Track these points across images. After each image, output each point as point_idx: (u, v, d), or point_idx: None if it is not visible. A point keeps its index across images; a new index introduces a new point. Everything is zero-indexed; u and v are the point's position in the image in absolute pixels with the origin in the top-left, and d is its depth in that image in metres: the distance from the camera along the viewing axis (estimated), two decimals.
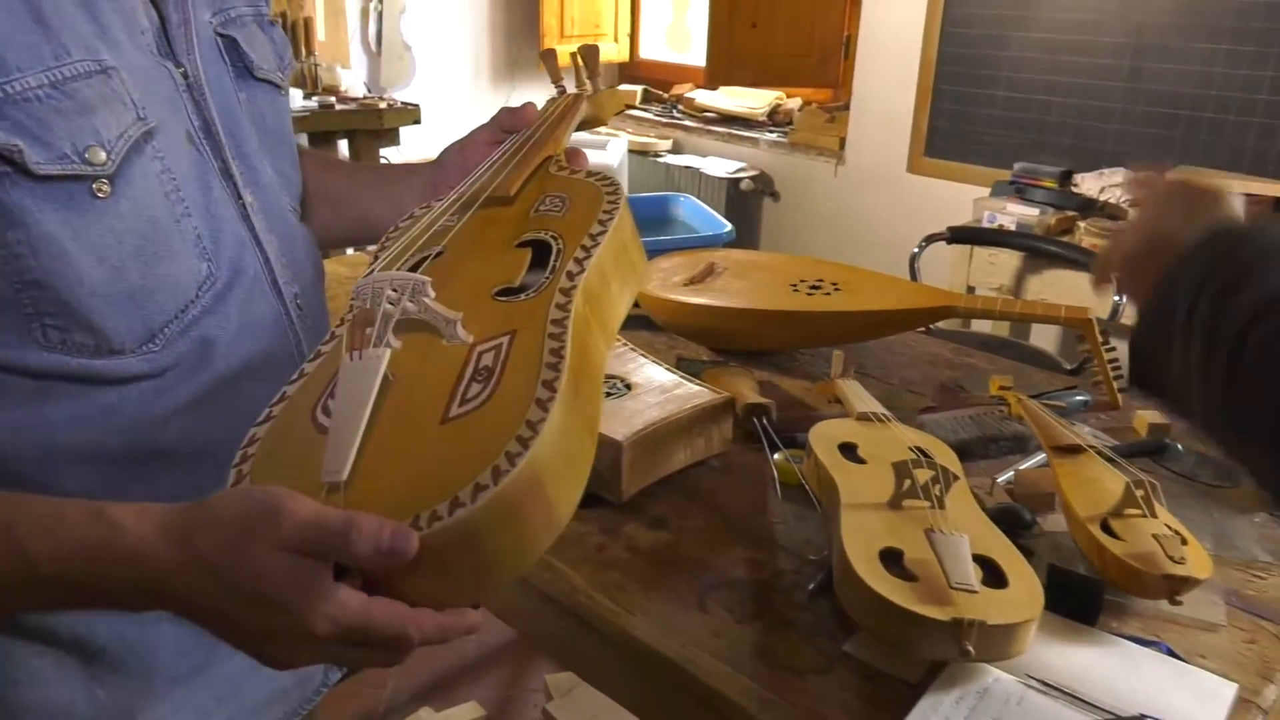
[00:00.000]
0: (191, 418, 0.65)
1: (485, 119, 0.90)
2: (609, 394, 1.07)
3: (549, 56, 0.99)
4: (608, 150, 3.30)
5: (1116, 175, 2.40)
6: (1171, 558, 0.82)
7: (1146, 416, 1.19)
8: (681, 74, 3.91)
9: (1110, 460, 0.97)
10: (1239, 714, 0.74)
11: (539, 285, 0.64)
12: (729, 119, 3.51)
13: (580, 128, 0.95)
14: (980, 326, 2.57)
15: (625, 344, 1.24)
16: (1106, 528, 0.87)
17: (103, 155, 0.59)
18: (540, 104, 0.90)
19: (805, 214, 3.26)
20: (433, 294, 0.62)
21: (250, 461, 0.53)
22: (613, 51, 3.92)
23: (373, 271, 0.66)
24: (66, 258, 0.58)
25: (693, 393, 1.08)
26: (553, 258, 0.67)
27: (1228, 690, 0.75)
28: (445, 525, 0.47)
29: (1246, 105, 2.23)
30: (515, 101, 0.90)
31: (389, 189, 0.88)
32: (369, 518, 0.46)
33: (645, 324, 1.44)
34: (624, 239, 0.72)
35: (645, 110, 3.77)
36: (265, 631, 0.47)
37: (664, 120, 3.66)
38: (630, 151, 3.50)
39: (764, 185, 3.35)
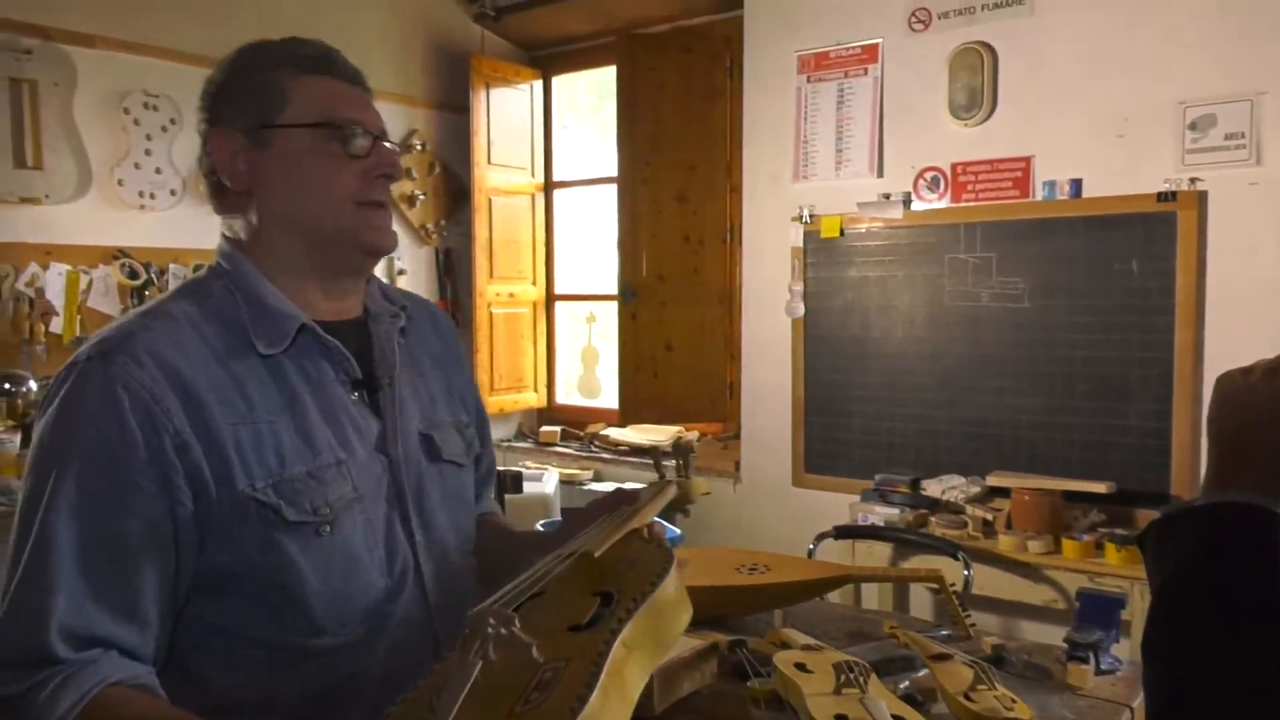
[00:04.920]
0: (352, 679, 0.99)
1: None
2: None
3: (655, 454, 1.38)
4: (543, 481, 3.86)
5: (952, 480, 3.10)
6: (1006, 709, 1.33)
7: (989, 640, 1.73)
8: (593, 415, 4.61)
9: (967, 663, 1.49)
10: None
11: (596, 625, 0.86)
12: (640, 450, 4.18)
13: (672, 505, 1.34)
14: (869, 603, 3.11)
15: None
16: (967, 697, 1.37)
17: (327, 511, 0.97)
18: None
19: (713, 524, 3.84)
20: (518, 625, 0.83)
21: None
22: (532, 399, 4.62)
23: (493, 603, 0.88)
24: (300, 572, 0.94)
25: (689, 642, 1.56)
26: (613, 604, 0.89)
27: None
28: None
29: (1027, 424, 3.03)
30: None
31: (522, 550, 1.14)
32: None
33: None
34: (661, 606, 0.91)
35: (566, 446, 4.41)
36: None
37: (584, 454, 4.29)
38: (561, 481, 4.07)
39: (676, 504, 3.95)
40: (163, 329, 0.97)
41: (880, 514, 3.01)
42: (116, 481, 0.89)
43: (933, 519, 2.95)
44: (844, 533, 2.83)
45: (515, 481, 2.43)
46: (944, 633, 1.77)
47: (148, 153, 3.23)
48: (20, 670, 0.84)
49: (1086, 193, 2.90)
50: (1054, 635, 2.72)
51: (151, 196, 3.25)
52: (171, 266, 3.29)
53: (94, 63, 3.10)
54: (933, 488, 3.08)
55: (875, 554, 2.94)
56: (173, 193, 3.31)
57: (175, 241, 3.33)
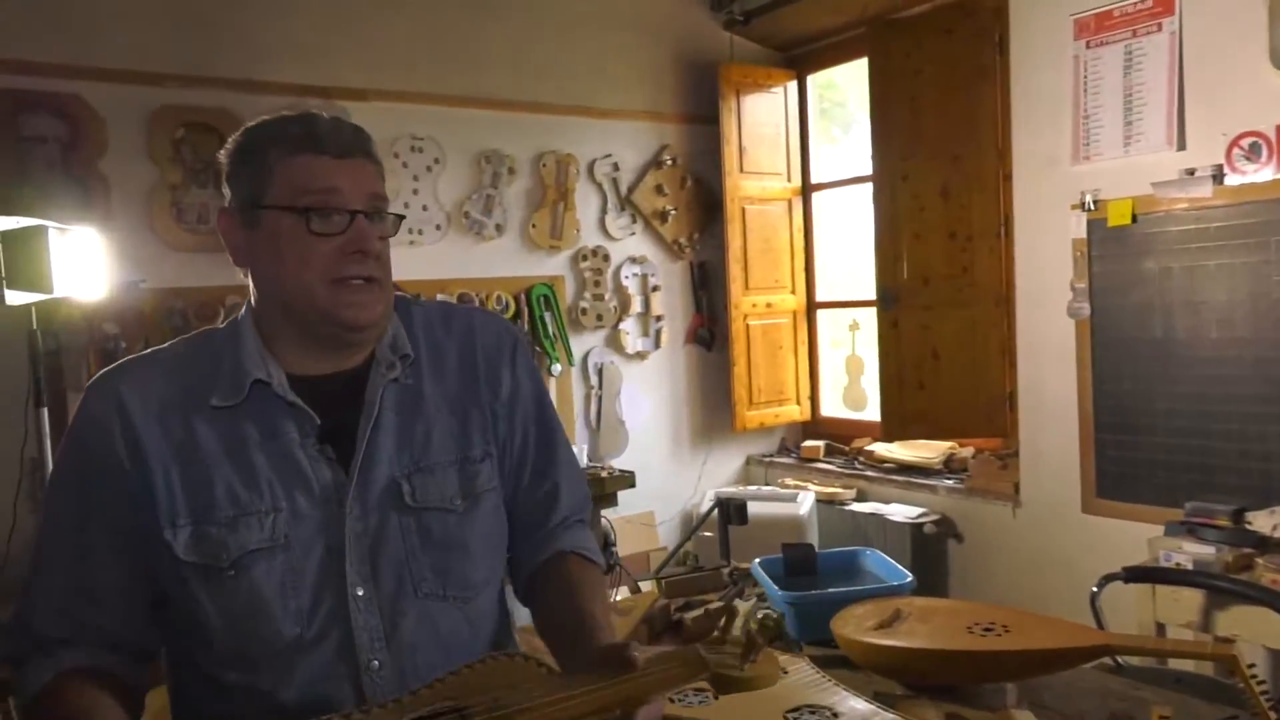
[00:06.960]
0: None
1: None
2: None
3: (731, 613, 0.95)
4: (798, 502, 3.68)
5: None
6: None
7: None
8: (859, 428, 4.34)
9: None
10: None
11: None
12: (907, 468, 3.85)
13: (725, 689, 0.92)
14: (1182, 665, 2.61)
15: (829, 679, 1.53)
16: None
17: (224, 557, 1.00)
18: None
19: (988, 554, 3.45)
20: None
21: None
22: (795, 412, 4.44)
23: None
24: (203, 607, 1.01)
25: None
26: None
27: None
28: None
29: None
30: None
31: (574, 645, 1.04)
32: None
33: (844, 663, 1.71)
34: None
35: (829, 462, 4.18)
36: None
37: (847, 471, 4.04)
38: (819, 501, 3.87)
39: (946, 529, 3.59)
40: (140, 368, 1.09)
41: (1190, 552, 2.51)
42: (81, 493, 1.04)
43: (1260, 561, 2.41)
44: (1135, 575, 2.39)
45: (739, 511, 2.28)
46: None
47: (415, 192, 3.48)
48: (19, 642, 1.02)
49: None
50: None
51: (419, 233, 3.49)
52: (439, 296, 3.52)
53: (366, 114, 3.38)
54: (1261, 521, 2.52)
55: (1183, 602, 2.46)
56: (438, 228, 3.54)
57: (441, 273, 3.56)
